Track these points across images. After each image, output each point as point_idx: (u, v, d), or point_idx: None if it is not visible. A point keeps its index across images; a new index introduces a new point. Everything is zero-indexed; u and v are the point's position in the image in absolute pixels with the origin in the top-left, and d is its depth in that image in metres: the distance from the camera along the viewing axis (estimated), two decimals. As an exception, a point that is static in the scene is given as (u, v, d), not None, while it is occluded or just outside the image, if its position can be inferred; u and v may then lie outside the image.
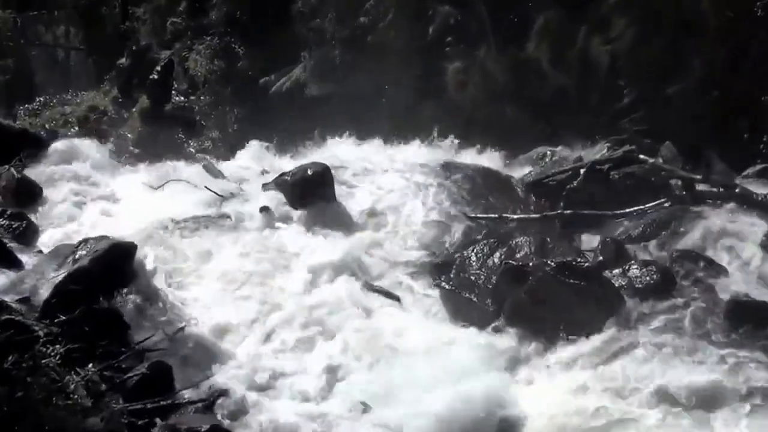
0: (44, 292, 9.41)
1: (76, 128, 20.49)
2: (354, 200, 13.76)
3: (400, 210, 13.48)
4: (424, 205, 13.61)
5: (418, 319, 10.87)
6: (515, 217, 13.28)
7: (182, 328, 9.65)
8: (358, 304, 10.90)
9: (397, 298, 11.33)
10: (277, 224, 13.03)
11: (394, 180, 14.51)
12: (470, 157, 16.18)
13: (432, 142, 16.86)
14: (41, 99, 23.22)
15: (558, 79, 17.76)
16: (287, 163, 15.41)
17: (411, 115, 18.43)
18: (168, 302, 10.34)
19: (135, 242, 10.56)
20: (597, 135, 15.95)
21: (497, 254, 11.56)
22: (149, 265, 10.93)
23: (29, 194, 13.89)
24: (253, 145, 17.31)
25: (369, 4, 20.07)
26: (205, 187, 14.13)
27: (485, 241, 11.96)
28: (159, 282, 10.78)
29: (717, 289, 10.68)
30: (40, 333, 7.47)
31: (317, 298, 10.95)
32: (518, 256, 11.41)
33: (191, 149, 19.54)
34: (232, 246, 12.23)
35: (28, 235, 12.19)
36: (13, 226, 12.14)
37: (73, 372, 7.38)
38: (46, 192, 14.21)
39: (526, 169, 15.38)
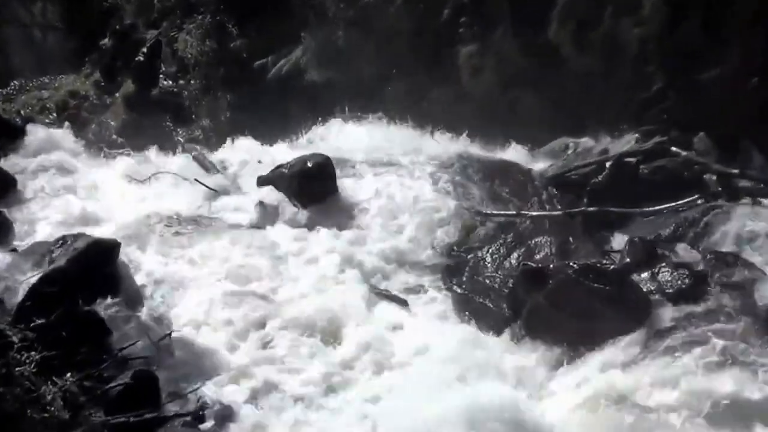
0: (18, 295, 9.40)
1: (54, 115, 20.48)
2: (358, 195, 13.79)
3: (408, 206, 13.49)
4: (434, 201, 13.62)
5: (428, 326, 10.86)
6: (534, 214, 13.24)
7: (169, 334, 9.65)
8: (361, 308, 10.90)
9: (404, 303, 11.32)
10: (274, 221, 13.12)
11: (402, 173, 14.56)
12: (485, 149, 16.19)
13: (443, 132, 16.83)
14: (16, 83, 23.11)
15: (581, 65, 17.62)
16: (285, 154, 15.40)
17: (420, 103, 18.34)
18: (154, 305, 10.38)
19: (118, 240, 10.59)
20: (624, 125, 15.88)
21: (514, 255, 11.60)
22: (133, 265, 10.95)
23: (2, 187, 13.93)
24: (248, 135, 17.34)
25: (376, -19, 20.01)
26: (195, 179, 14.18)
27: (501, 241, 12.01)
28: (144, 283, 10.78)
29: (755, 294, 10.61)
30: (14, 339, 7.48)
31: (317, 302, 10.91)
32: (537, 257, 11.43)
33: (180, 138, 19.50)
34: (224, 244, 12.25)
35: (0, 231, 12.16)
36: (-17, 223, 12.16)
37: (49, 382, 7.38)
38: (20, 184, 14.23)
39: (546, 163, 15.37)
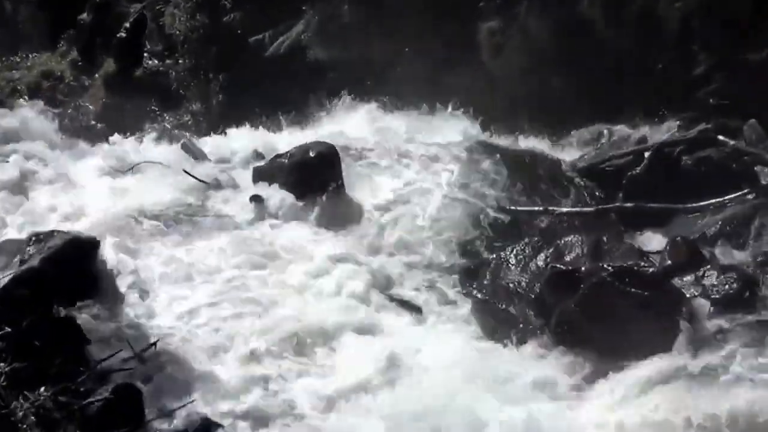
0: (-14, 298, 9.40)
1: (27, 98, 20.51)
2: (366, 188, 13.82)
3: (423, 201, 13.52)
4: (452, 195, 13.63)
5: (444, 336, 10.88)
6: (564, 210, 13.25)
7: (154, 344, 9.62)
8: (370, 316, 10.94)
9: (418, 310, 11.35)
10: (272, 218, 13.18)
11: (416, 164, 14.58)
12: (508, 136, 16.29)
13: (461, 118, 16.84)
14: (-17, 62, 23.24)
15: (616, 43, 17.62)
16: (284, 143, 15.48)
17: (436, 86, 18.31)
18: (137, 312, 10.37)
19: (97, 237, 10.56)
20: (664, 111, 15.89)
21: (542, 256, 11.58)
22: (114, 266, 10.94)
23: (-33, 179, 13.96)
24: (243, 120, 17.39)
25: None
26: (184, 171, 14.19)
27: (527, 240, 12.02)
28: (126, 286, 10.78)
29: (813, 301, 10.62)
30: (-19, 348, 7.46)
31: (320, 309, 10.92)
32: (567, 258, 11.40)
33: (167, 124, 19.54)
34: (216, 244, 12.26)
35: (-34, 228, 12.23)
36: (-52, 218, 12.20)
37: (21, 396, 7.36)
38: (-13, 176, 14.28)
39: (578, 153, 15.41)
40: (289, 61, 20.02)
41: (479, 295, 11.43)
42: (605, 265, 10.61)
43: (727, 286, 10.57)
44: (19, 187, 14.28)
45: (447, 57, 18.76)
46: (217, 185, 14.06)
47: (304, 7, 20.41)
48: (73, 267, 9.96)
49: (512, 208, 13.32)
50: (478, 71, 18.46)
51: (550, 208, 13.26)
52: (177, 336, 10.19)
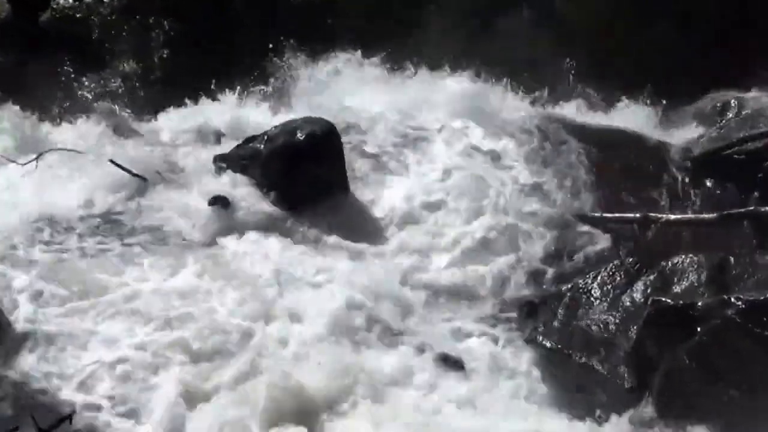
0: None
1: None
2: (379, 186, 13.95)
3: (461, 206, 13.65)
4: (502, 196, 13.75)
5: (495, 403, 10.82)
6: (672, 218, 13.34)
7: (69, 418, 9.65)
8: (385, 374, 10.86)
9: (456, 364, 11.27)
10: (241, 230, 13.09)
11: (450, 150, 14.72)
12: (587, 110, 16.43)
13: (518, 83, 16.93)
14: None
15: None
16: (261, 120, 15.57)
17: (481, 40, 18.39)
18: (43, 368, 10.30)
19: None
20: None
21: (639, 285, 11.58)
22: (7, 301, 10.92)
23: None
24: (200, 87, 17.37)
25: None
26: (111, 161, 14.12)
27: (617, 262, 12.03)
28: (25, 330, 10.75)
29: None
30: None
31: (309, 367, 10.79)
32: (677, 289, 11.40)
33: (86, 93, 19.55)
34: (158, 268, 12.21)
35: None
36: None
37: None
38: None
39: (690, 133, 15.50)
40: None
41: (547, 343, 11.40)
42: (733, 298, 10.52)
43: None
44: None
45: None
46: (159, 181, 13.99)
47: None
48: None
49: (596, 214, 13.45)
50: (548, 20, 18.55)
51: (652, 214, 13.31)
52: (97, 403, 10.20)
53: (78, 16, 20.97)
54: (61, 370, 10.60)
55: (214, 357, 10.91)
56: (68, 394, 10.25)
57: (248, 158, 13.80)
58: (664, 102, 16.27)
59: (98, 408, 10.14)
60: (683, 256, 11.69)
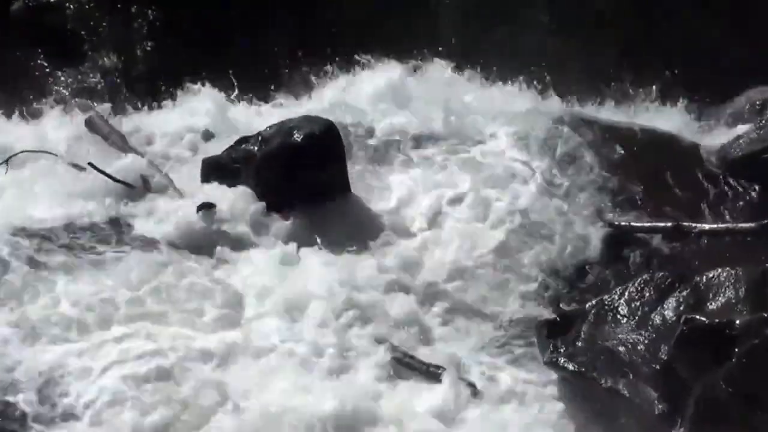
0: None
1: None
2: (385, 192, 13.89)
3: (476, 213, 13.59)
4: (521, 201, 13.73)
5: (513, 430, 10.70)
6: (707, 227, 13.28)
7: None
8: (395, 404, 10.71)
9: (473, 388, 11.15)
10: (234, 240, 13.03)
11: (465, 154, 14.68)
12: (616, 108, 16.42)
13: (540, 77, 17.01)
14: None
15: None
16: (254, 118, 15.61)
17: (496, 26, 18.39)
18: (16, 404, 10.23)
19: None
20: None
21: (671, 302, 11.43)
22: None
23: None
24: (187, 82, 17.40)
25: None
26: (90, 165, 14.07)
27: (647, 277, 11.86)
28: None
29: None
30: None
31: (314, 396, 10.63)
32: (712, 306, 11.24)
33: (62, 89, 19.55)
34: (136, 284, 12.03)
35: None
36: None
37: None
38: None
39: (727, 134, 15.45)
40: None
41: (569, 365, 11.24)
42: (774, 317, 10.47)
43: None
44: None
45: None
46: (144, 188, 13.93)
47: None
48: None
49: (624, 223, 13.36)
50: (574, 9, 18.57)
51: (685, 223, 13.24)
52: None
53: (52, 2, 21.03)
54: (32, 404, 10.49)
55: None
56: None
57: (241, 161, 13.72)
58: (699, 100, 16.24)
59: None
60: (719, 270, 11.52)
